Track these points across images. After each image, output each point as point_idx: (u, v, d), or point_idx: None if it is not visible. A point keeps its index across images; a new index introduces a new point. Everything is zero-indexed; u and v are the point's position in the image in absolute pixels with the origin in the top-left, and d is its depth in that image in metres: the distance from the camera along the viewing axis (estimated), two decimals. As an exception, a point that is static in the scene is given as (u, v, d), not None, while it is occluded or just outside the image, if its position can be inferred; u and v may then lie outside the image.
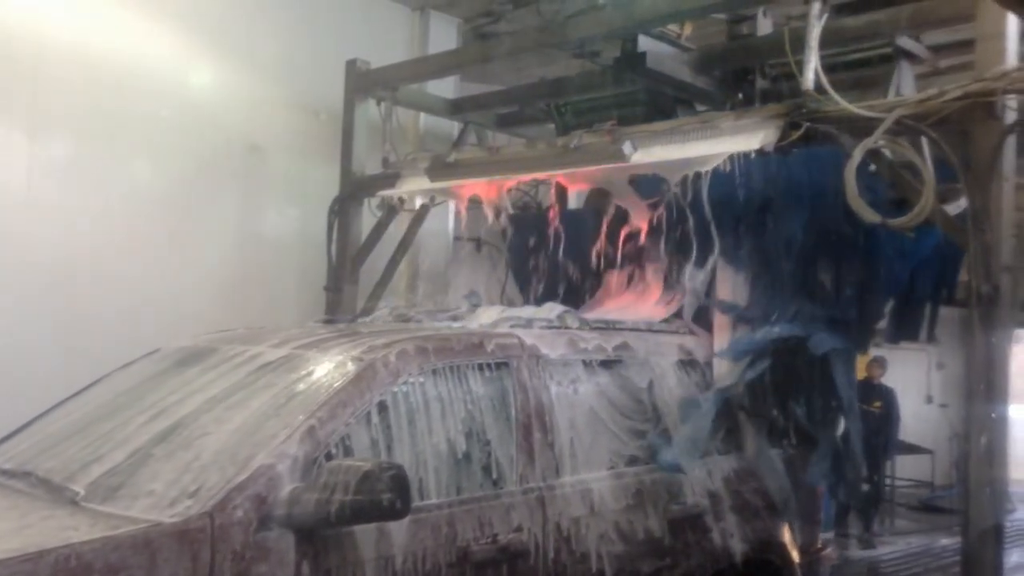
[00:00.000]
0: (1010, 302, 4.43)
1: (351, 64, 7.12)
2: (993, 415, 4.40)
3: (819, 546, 5.18)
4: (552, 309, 4.70)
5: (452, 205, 7.48)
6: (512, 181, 5.85)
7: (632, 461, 4.24)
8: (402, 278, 7.74)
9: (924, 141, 4.54)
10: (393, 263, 7.26)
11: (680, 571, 4.26)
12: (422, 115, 8.01)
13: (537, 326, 4.36)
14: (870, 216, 4.48)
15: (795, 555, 4.88)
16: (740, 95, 5.90)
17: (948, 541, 9.05)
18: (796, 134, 4.70)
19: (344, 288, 7.15)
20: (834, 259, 5.10)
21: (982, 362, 4.41)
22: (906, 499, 11.62)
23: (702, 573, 4.35)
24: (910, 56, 5.22)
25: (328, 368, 3.50)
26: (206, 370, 3.78)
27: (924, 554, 9.00)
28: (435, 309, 5.50)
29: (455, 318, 4.76)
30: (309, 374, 3.49)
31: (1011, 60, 4.29)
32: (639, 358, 4.52)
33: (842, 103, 4.52)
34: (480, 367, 3.81)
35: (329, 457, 3.14)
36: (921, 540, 9.60)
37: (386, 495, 2.93)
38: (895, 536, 9.87)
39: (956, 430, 11.76)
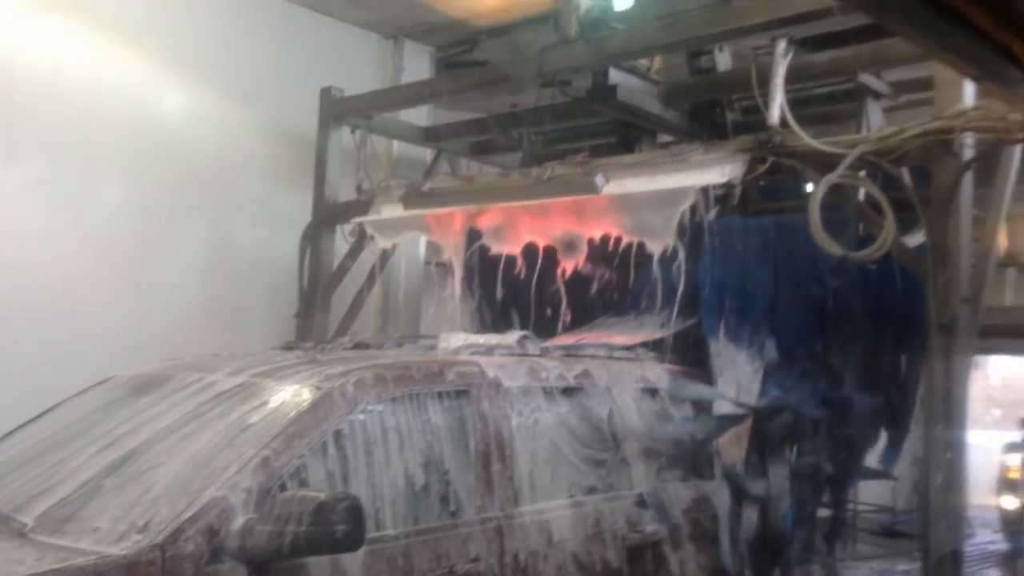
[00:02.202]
0: (968, 332, 4.57)
1: (325, 92, 7.18)
2: (952, 443, 4.52)
3: (777, 572, 5.18)
4: (513, 336, 4.73)
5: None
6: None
7: (591, 490, 4.21)
8: (374, 304, 7.77)
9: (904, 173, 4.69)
10: (365, 289, 7.29)
11: None
12: (395, 142, 8.08)
13: (498, 353, 4.33)
14: (834, 249, 4.61)
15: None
16: (710, 127, 6.04)
17: (909, 566, 9.16)
18: (762, 168, 4.84)
19: (315, 315, 7.16)
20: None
21: (941, 391, 4.53)
22: (868, 524, 11.74)
23: None
24: (873, 92, 5.38)
25: (284, 397, 3.45)
26: (160, 398, 3.71)
27: (886, 576, 9.10)
28: (401, 336, 5.52)
29: (421, 345, 4.77)
30: (265, 403, 3.43)
31: (968, 100, 4.45)
32: (600, 386, 4.50)
33: (806, 139, 4.67)
34: (439, 395, 3.77)
35: (284, 488, 3.10)
36: (883, 565, 9.70)
37: (340, 527, 2.90)
38: (858, 561, 9.96)
39: (917, 455, 11.90)
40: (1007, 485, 8.48)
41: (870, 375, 5.35)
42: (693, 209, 4.98)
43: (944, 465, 4.47)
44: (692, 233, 5.06)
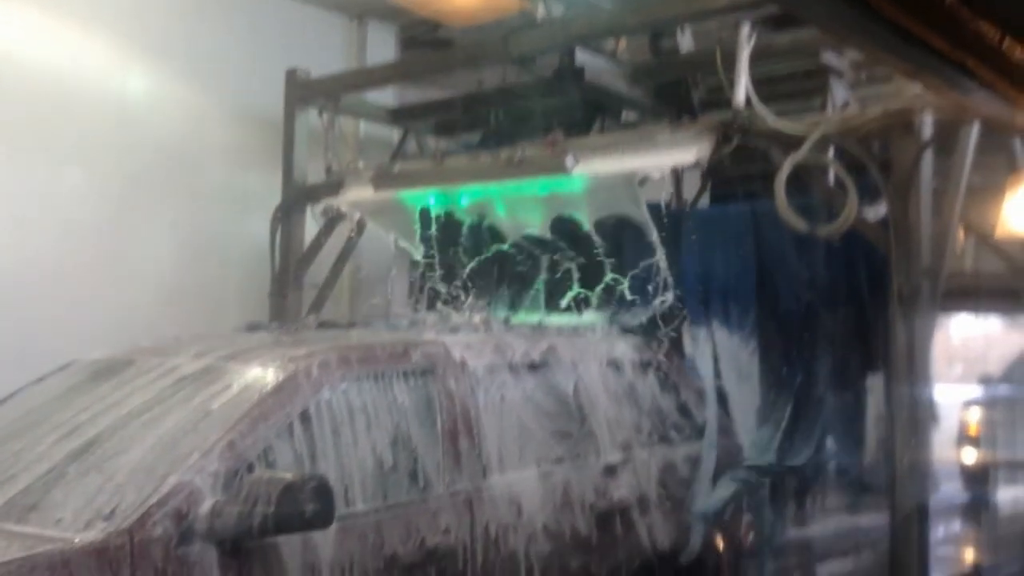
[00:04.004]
0: (930, 302, 4.75)
1: (291, 74, 7.15)
2: (916, 407, 4.71)
3: (744, 530, 5.31)
4: (478, 314, 4.78)
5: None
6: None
7: (559, 461, 4.29)
8: (345, 283, 7.81)
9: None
10: (336, 269, 7.34)
11: (608, 564, 4.35)
12: (361, 122, 8.07)
13: (463, 332, 4.40)
14: (799, 225, 4.74)
15: (720, 541, 5.02)
16: (676, 106, 6.11)
17: (877, 518, 9.40)
18: (729, 148, 4.95)
19: (288, 294, 7.21)
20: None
21: (905, 355, 4.72)
22: (836, 479, 12.00)
23: (629, 564, 4.45)
24: (835, 71, 5.48)
25: (249, 380, 3.49)
26: (123, 384, 3.71)
27: (854, 531, 9.33)
28: (373, 315, 5.56)
29: (392, 325, 4.80)
30: (229, 386, 3.47)
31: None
32: (565, 362, 4.56)
33: (771, 120, 4.77)
34: (404, 375, 3.83)
35: (251, 470, 3.15)
36: (851, 518, 9.94)
37: (309, 506, 2.98)
38: (826, 514, 10.20)
39: (882, 412, 12.18)
40: (967, 440, 8.75)
41: (847, 343, 5.53)
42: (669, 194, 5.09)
43: (908, 424, 4.68)
44: (671, 219, 5.17)
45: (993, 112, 3.58)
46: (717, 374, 5.68)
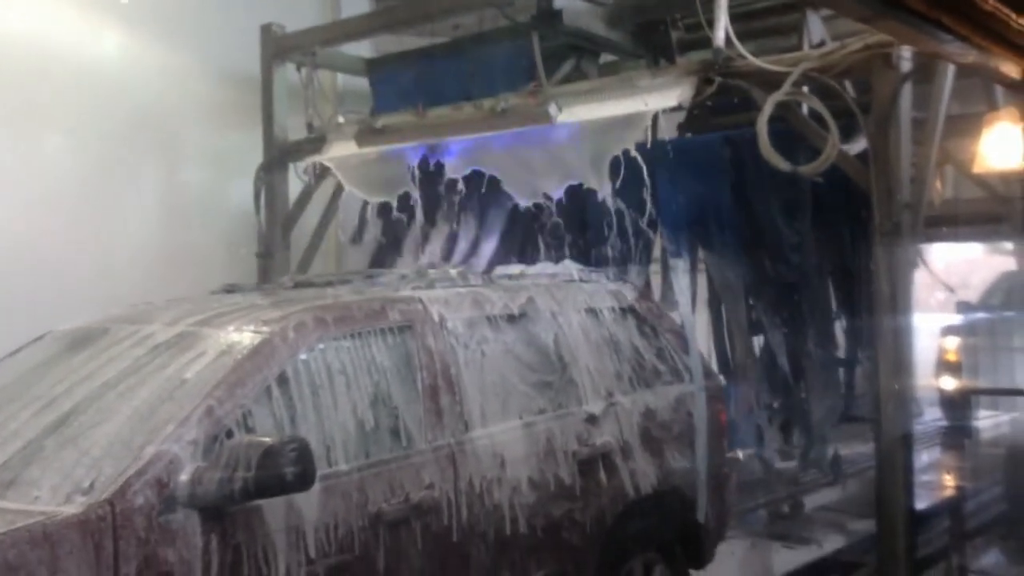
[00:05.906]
0: (911, 234, 4.83)
1: (266, 29, 7.08)
2: (897, 333, 4.81)
3: (725, 469, 5.30)
4: (455, 267, 4.78)
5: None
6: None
7: (540, 411, 4.25)
8: (332, 241, 7.83)
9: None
10: (322, 227, 7.35)
11: (592, 509, 4.35)
12: (340, 74, 8.02)
13: (440, 286, 4.32)
14: (782, 164, 4.79)
15: (702, 478, 5.02)
16: (655, 46, 6.11)
17: (863, 448, 9.59)
18: (710, 89, 4.96)
19: (276, 253, 7.23)
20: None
21: (887, 288, 4.81)
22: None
23: (613, 508, 4.46)
24: (812, 3, 5.48)
25: (224, 345, 3.45)
26: (98, 353, 3.65)
27: (841, 461, 9.52)
28: (351, 273, 5.57)
29: (370, 282, 4.81)
30: (204, 352, 3.42)
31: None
32: (544, 312, 4.50)
33: (751, 59, 4.79)
34: (382, 332, 3.79)
35: (231, 435, 3.13)
36: (837, 448, 10.14)
37: (289, 468, 2.97)
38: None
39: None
40: (946, 367, 8.86)
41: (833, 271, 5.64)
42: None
43: (891, 353, 4.77)
44: (648, 156, 5.19)
45: (968, 61, 3.65)
46: (714, 296, 5.78)
